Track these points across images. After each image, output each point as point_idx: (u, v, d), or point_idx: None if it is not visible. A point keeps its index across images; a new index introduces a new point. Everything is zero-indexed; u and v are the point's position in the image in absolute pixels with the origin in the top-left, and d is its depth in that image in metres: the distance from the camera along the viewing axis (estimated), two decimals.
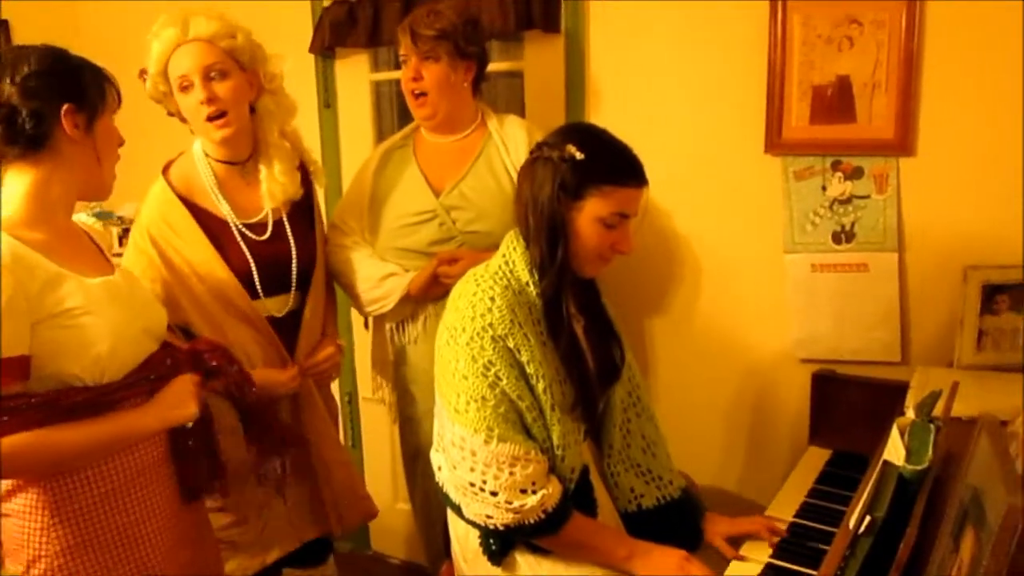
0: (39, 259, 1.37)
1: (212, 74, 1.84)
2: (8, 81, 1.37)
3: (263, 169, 1.96)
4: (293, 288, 1.99)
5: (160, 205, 1.90)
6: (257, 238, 1.94)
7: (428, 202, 2.08)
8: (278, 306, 1.97)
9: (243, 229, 1.93)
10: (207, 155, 1.95)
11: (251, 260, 1.91)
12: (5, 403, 1.30)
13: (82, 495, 1.42)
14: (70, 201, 1.48)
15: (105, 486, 1.44)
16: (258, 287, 1.92)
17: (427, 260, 2.07)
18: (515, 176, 2.00)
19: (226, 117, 1.86)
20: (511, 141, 2.09)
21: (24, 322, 1.32)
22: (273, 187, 1.94)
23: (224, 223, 1.92)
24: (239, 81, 1.88)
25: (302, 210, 2.05)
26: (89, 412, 1.39)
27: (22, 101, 1.37)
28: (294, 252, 1.97)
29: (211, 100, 1.84)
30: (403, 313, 2.15)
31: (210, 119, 1.85)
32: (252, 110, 1.95)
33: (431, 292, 2.07)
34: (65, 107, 1.40)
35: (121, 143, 1.55)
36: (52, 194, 1.43)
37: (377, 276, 2.12)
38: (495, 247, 1.96)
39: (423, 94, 2.05)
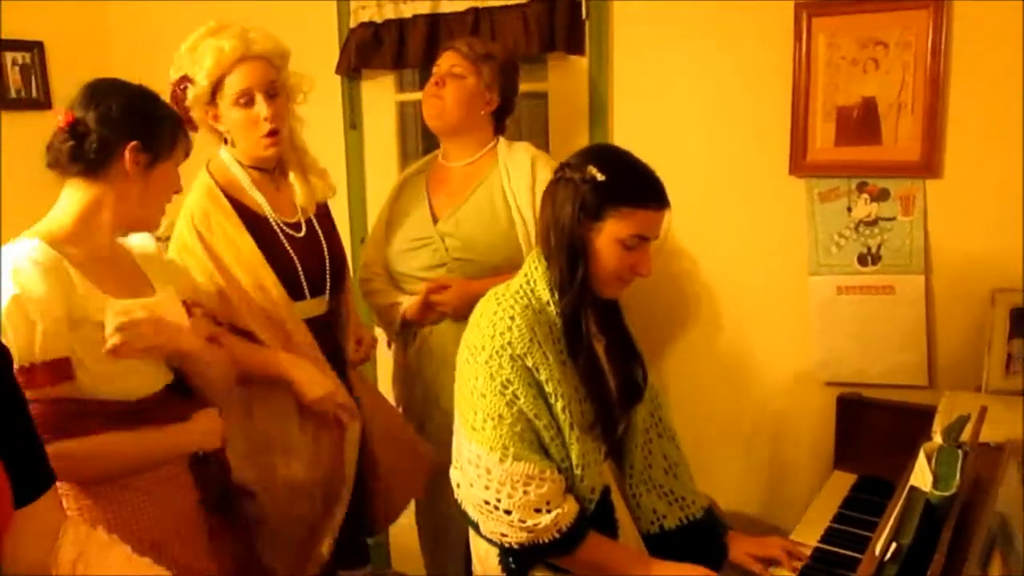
0: (72, 270, 1.43)
1: (273, 92, 1.86)
2: (95, 106, 1.47)
3: (293, 174, 1.97)
4: (328, 289, 1.99)
5: (204, 198, 1.87)
6: (296, 234, 1.94)
7: (426, 228, 2.14)
8: (317, 307, 1.97)
9: (283, 226, 1.92)
10: (238, 161, 1.94)
11: (295, 258, 1.90)
12: (84, 406, 1.40)
13: (114, 502, 1.46)
14: (116, 227, 1.55)
15: (131, 494, 1.48)
16: (304, 286, 1.92)
17: (423, 285, 2.11)
18: (513, 203, 2.06)
19: (278, 135, 1.88)
20: (514, 167, 2.10)
21: (63, 325, 1.38)
22: (306, 190, 1.96)
23: (265, 220, 1.91)
24: (286, 98, 1.92)
25: (323, 213, 2.06)
26: (142, 421, 1.47)
27: (96, 126, 1.46)
28: (326, 251, 1.97)
29: (274, 117, 1.85)
30: (406, 335, 2.22)
31: (266, 135, 1.86)
32: None
33: (427, 317, 2.13)
34: (132, 144, 1.47)
35: (178, 191, 1.61)
36: (101, 218, 1.50)
37: (385, 307, 2.20)
38: (484, 274, 2.02)
39: (440, 99, 2.11)
